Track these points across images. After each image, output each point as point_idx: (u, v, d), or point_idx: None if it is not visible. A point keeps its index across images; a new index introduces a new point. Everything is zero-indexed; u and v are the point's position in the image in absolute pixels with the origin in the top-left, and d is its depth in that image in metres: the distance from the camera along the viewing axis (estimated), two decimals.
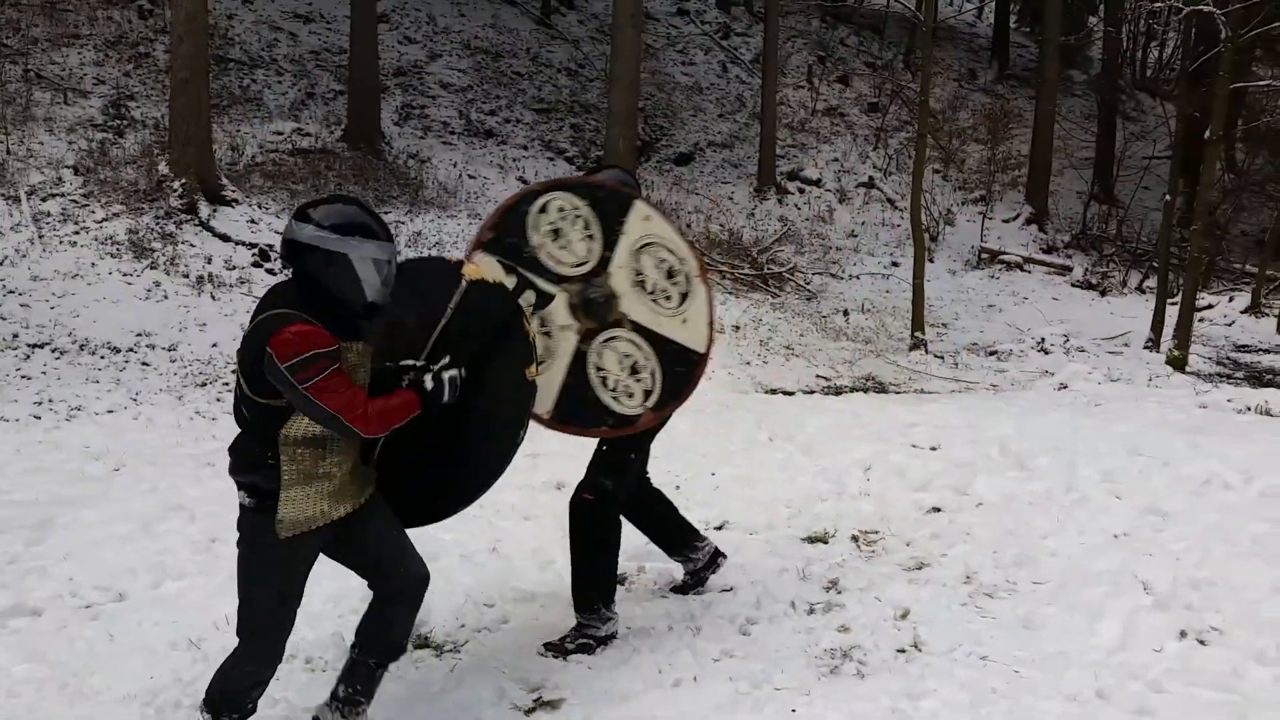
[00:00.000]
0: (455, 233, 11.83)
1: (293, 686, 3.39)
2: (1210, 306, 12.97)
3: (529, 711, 3.18)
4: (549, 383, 3.46)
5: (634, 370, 3.55)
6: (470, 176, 13.55)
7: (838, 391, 9.17)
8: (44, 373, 7.89)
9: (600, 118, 15.41)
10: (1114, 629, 3.68)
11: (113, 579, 4.34)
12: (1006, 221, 16.14)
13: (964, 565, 4.35)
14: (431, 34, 16.39)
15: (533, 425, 3.39)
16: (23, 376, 7.79)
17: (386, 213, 11.75)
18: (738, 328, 10.73)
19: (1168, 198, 11.52)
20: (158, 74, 12.94)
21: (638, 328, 3.54)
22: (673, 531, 4.14)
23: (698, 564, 4.16)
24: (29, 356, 8.05)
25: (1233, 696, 3.21)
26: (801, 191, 16.25)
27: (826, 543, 4.73)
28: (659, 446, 6.48)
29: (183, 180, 10.71)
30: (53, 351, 8.19)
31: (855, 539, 4.76)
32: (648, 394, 3.57)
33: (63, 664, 3.57)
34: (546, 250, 3.49)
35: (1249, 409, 8.13)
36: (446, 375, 2.94)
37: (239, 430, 2.81)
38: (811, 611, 3.93)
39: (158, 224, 10.34)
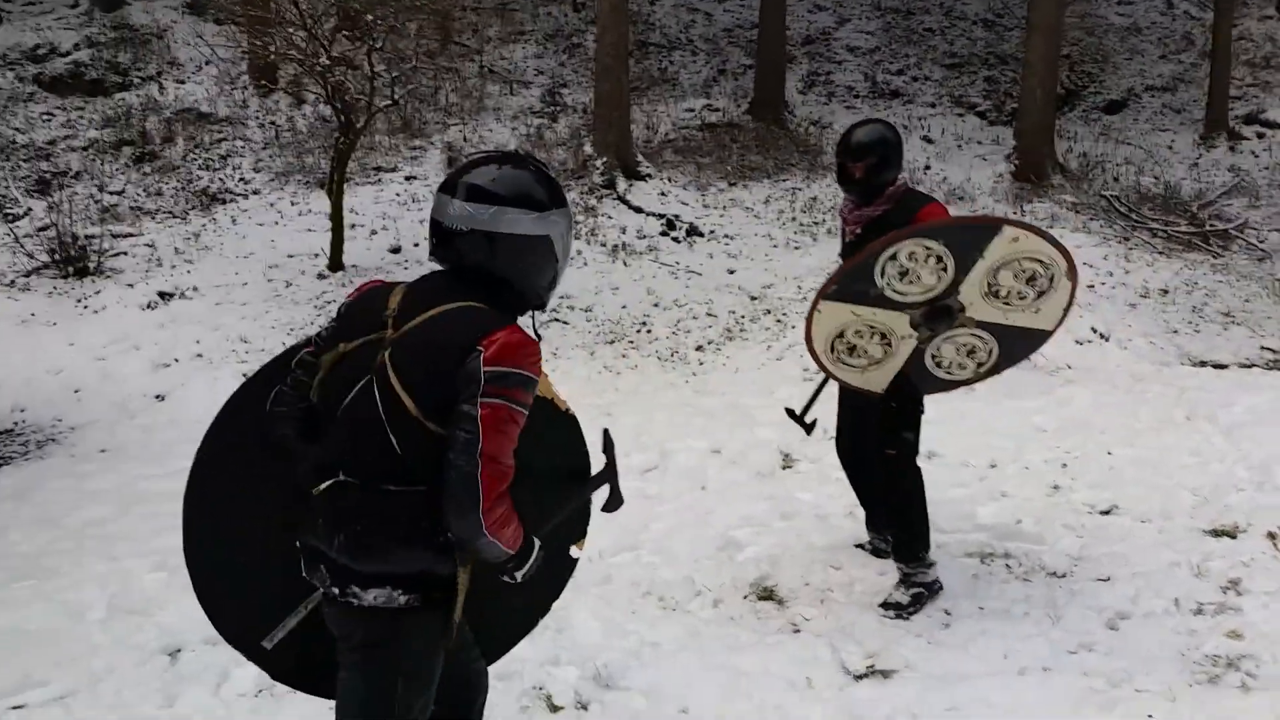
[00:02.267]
0: None
1: (644, 620, 3.63)
2: None
3: (859, 677, 3.16)
4: (887, 371, 3.66)
5: (970, 353, 3.68)
6: None
7: None
8: None
9: (1017, 68, 14.39)
10: None
11: None
12: None
13: None
14: None
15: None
16: None
17: (783, 180, 11.95)
18: (1165, 291, 9.58)
19: None
20: (587, 62, 14.13)
21: (982, 324, 3.58)
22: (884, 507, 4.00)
23: (887, 548, 3.98)
24: None
25: None
26: (1261, 137, 14.04)
27: (1234, 538, 4.14)
28: (1049, 420, 6.09)
29: (604, 159, 11.67)
30: None
31: (1272, 536, 4.11)
32: (980, 365, 3.74)
33: None
34: (892, 288, 3.48)
35: None
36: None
37: (359, 483, 1.93)
38: (1200, 612, 3.48)
39: (582, 199, 11.35)
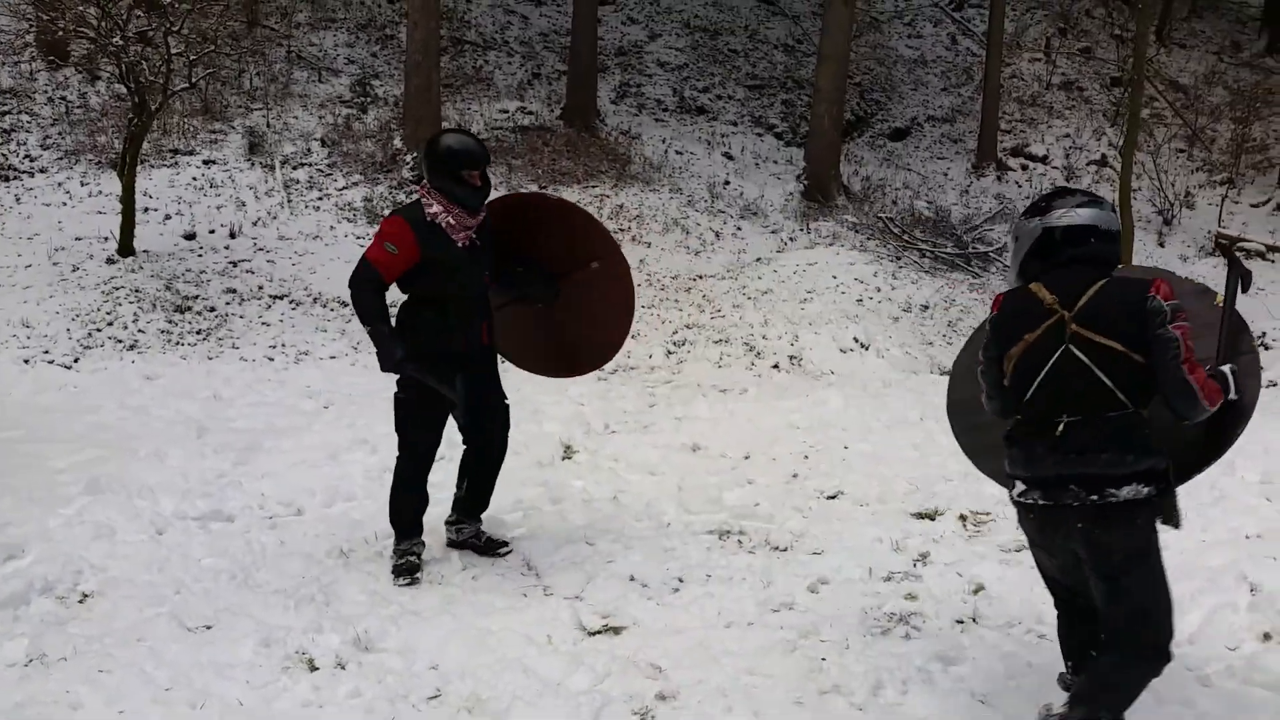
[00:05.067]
0: (656, 206, 12.31)
1: (408, 592, 3.94)
2: None
3: (593, 633, 3.59)
4: None
5: None
6: (677, 152, 13.99)
7: None
8: (281, 321, 9.05)
9: (812, 93, 15.43)
10: (1195, 623, 3.63)
11: (295, 496, 5.09)
12: (1255, 206, 14.82)
13: None
14: (654, 14, 16.91)
15: None
16: (263, 323, 8.97)
17: (593, 186, 12.42)
18: (926, 307, 10.61)
19: None
20: (400, 54, 14.15)
21: None
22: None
23: (461, 535, 4.40)
24: (270, 306, 9.25)
25: None
26: (1024, 168, 15.60)
27: (933, 519, 4.84)
28: (803, 419, 6.74)
29: (413, 154, 11.79)
30: (290, 303, 9.36)
31: (963, 518, 4.83)
32: None
33: (239, 560, 4.31)
34: None
35: None
36: None
37: (1082, 419, 2.59)
38: (889, 579, 4.10)
39: (390, 193, 11.46)
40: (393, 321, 4.02)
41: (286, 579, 4.11)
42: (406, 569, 4.12)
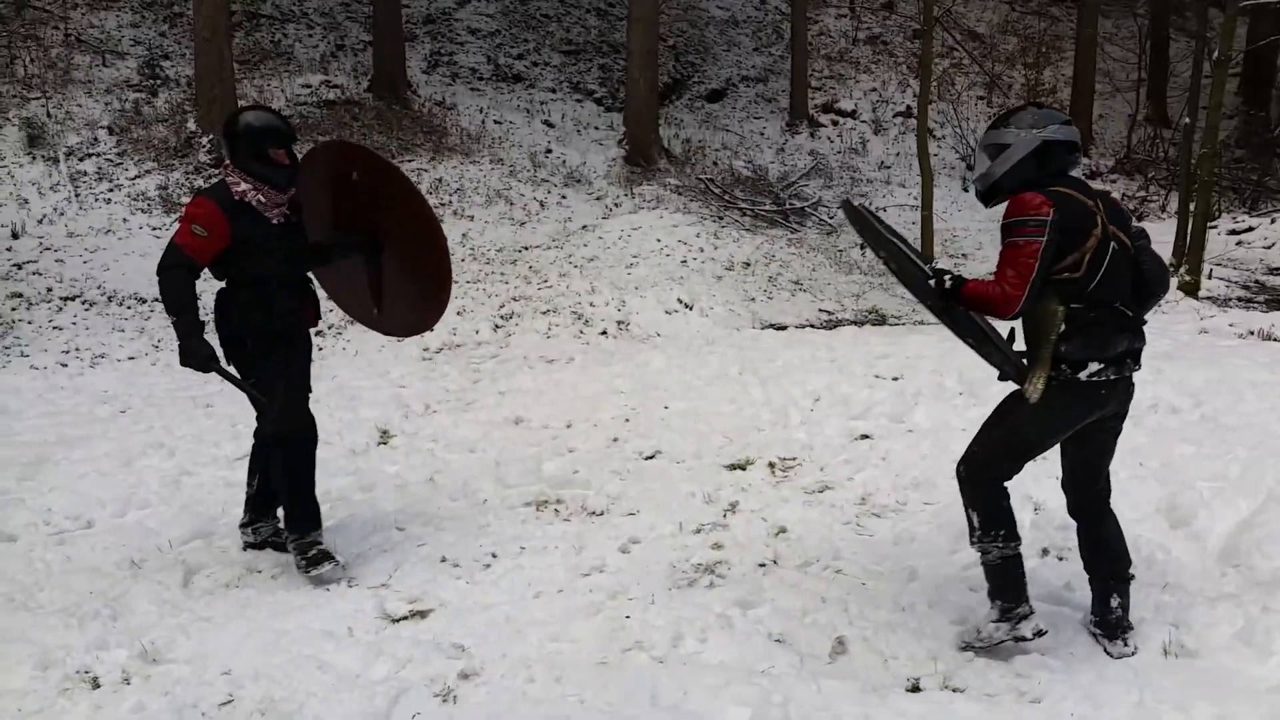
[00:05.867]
0: (477, 179, 12.10)
1: (200, 599, 3.76)
2: (1250, 229, 12.54)
3: (397, 620, 3.50)
4: None
5: None
6: (496, 122, 13.77)
7: (834, 325, 9.24)
8: (74, 323, 8.46)
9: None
10: None
11: (85, 509, 4.77)
12: None
13: (864, 488, 4.52)
14: None
15: None
16: (54, 328, 8.37)
17: (409, 160, 12.09)
18: (748, 264, 10.82)
19: (1186, 120, 11.12)
20: (190, 33, 13.38)
21: None
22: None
23: (259, 535, 4.19)
24: (61, 309, 8.63)
25: (1059, 608, 3.36)
26: (835, 124, 16.07)
27: (745, 469, 4.94)
28: (627, 382, 6.77)
29: (210, 136, 11.19)
30: (83, 304, 8.76)
31: (772, 465, 4.95)
32: None
33: (20, 581, 4.01)
34: None
35: (1251, 333, 8.01)
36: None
37: (1124, 305, 3.00)
38: (698, 531, 4.16)
39: (187, 179, 10.85)
40: (208, 311, 3.79)
41: (71, 596, 3.85)
42: (326, 555, 3.87)
